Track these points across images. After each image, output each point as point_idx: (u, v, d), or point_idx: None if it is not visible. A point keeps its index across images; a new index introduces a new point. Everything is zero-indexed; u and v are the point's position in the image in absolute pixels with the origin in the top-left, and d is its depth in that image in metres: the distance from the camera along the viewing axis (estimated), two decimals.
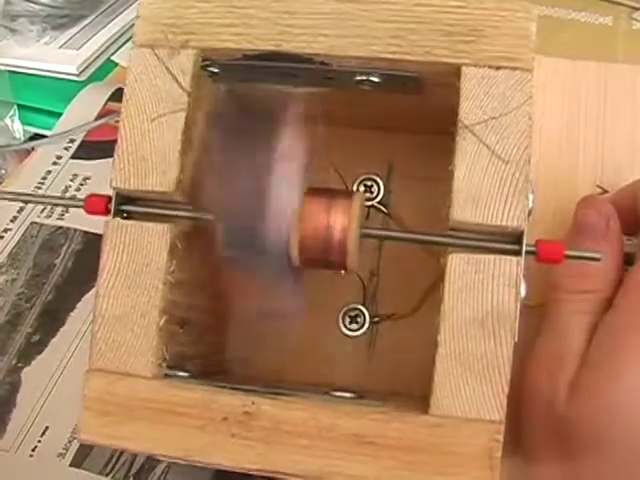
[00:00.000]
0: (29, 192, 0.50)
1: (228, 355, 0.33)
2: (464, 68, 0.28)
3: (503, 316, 0.27)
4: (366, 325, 0.36)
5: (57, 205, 0.30)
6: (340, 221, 0.28)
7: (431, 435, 0.27)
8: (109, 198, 0.30)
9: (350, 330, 0.37)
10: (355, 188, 0.37)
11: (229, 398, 0.28)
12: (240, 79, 0.32)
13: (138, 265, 0.29)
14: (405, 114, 0.35)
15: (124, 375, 0.28)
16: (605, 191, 0.35)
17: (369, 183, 0.37)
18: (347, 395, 0.30)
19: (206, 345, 0.34)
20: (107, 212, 0.30)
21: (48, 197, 0.31)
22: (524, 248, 0.27)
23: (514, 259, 0.27)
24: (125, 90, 0.30)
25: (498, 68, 0.28)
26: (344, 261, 0.28)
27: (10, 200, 0.30)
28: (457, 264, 0.27)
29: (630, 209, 0.32)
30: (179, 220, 0.30)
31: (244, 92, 0.33)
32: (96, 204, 0.30)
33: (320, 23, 0.29)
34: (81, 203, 0.30)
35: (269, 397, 0.28)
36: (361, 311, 0.37)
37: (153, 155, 0.29)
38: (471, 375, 0.27)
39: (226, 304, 0.33)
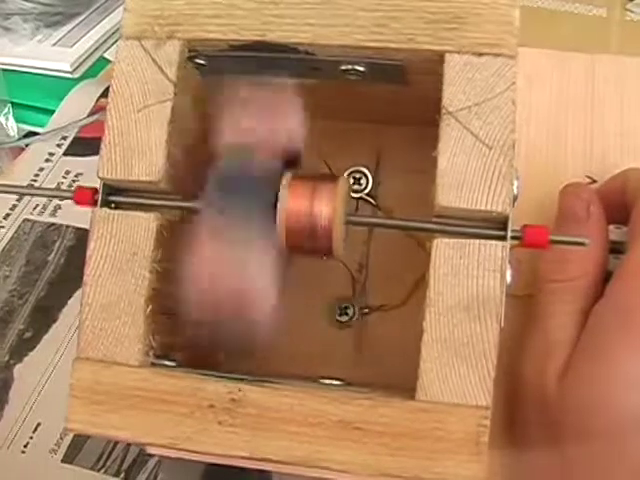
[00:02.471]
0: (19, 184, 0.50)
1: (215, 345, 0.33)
2: (447, 55, 0.28)
3: (489, 301, 0.27)
4: (356, 317, 0.36)
5: (46, 197, 0.30)
6: (325, 206, 0.28)
7: (418, 420, 0.27)
8: (97, 189, 0.30)
9: (340, 322, 0.37)
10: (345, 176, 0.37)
11: (216, 385, 0.28)
12: (227, 70, 0.32)
13: (125, 254, 0.29)
14: (393, 106, 0.35)
15: (111, 363, 0.28)
16: (594, 181, 0.35)
17: (357, 175, 0.37)
18: (335, 382, 0.30)
19: (194, 335, 0.34)
20: (95, 203, 0.30)
21: (37, 189, 0.31)
22: (509, 233, 0.27)
23: (499, 244, 0.27)
24: (112, 81, 0.30)
25: (481, 55, 0.28)
26: (329, 246, 0.29)
27: (4, 192, 0.30)
28: (442, 249, 0.27)
29: (619, 198, 0.32)
30: (166, 209, 0.30)
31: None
32: (84, 195, 0.30)
33: (305, 13, 0.29)
34: (70, 194, 0.31)
35: (256, 384, 0.28)
36: (351, 303, 0.37)
37: (140, 145, 0.29)
38: (457, 360, 0.27)
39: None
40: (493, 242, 0.27)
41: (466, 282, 0.27)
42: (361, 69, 0.30)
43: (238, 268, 0.28)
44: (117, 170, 0.29)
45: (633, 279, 0.30)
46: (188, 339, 0.31)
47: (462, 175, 0.27)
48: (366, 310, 0.37)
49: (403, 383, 0.35)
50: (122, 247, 0.29)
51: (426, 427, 0.27)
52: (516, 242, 0.28)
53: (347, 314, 0.36)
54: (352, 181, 0.37)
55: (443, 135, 0.28)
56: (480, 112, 0.27)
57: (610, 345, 0.30)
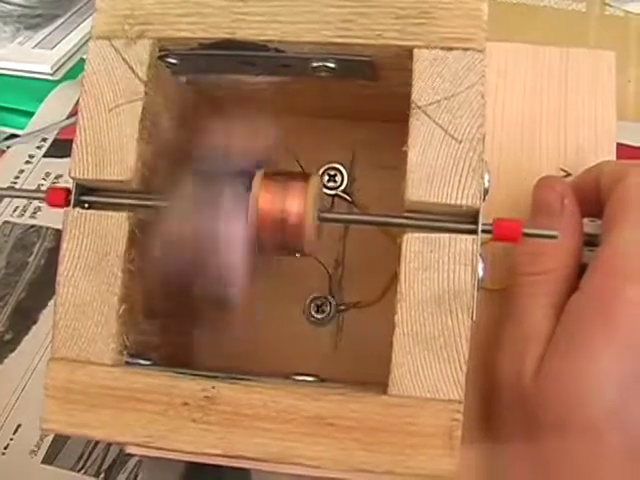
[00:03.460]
0: None
1: (192, 344, 0.34)
2: (416, 50, 0.28)
3: (460, 294, 0.27)
4: (332, 313, 0.36)
5: (19, 197, 0.30)
6: (296, 204, 0.28)
7: (390, 415, 0.27)
8: (69, 190, 0.30)
9: (316, 319, 0.37)
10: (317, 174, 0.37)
11: (189, 383, 0.28)
12: (198, 69, 0.32)
13: (98, 254, 0.29)
14: (366, 102, 0.35)
15: (85, 363, 0.28)
16: (568, 174, 0.35)
17: (332, 172, 0.37)
18: (308, 379, 0.30)
19: (170, 334, 0.34)
20: (68, 204, 0.30)
21: (10, 190, 0.31)
22: (480, 227, 0.27)
23: (469, 237, 0.27)
24: (83, 81, 0.30)
25: (450, 49, 0.28)
26: (301, 245, 0.29)
27: None
28: (412, 244, 0.27)
29: (593, 191, 0.32)
30: (138, 209, 0.30)
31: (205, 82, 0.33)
32: (57, 196, 0.30)
33: (273, 10, 0.29)
34: (42, 195, 0.31)
35: (229, 381, 0.28)
36: (327, 299, 0.37)
37: (111, 145, 0.29)
38: (429, 354, 0.27)
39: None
40: (464, 236, 0.27)
41: (437, 276, 0.27)
42: (331, 65, 0.30)
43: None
44: (89, 170, 0.29)
45: (607, 271, 0.30)
46: (162, 336, 0.31)
47: (432, 169, 0.27)
48: (342, 307, 0.37)
49: (380, 379, 0.35)
50: (95, 247, 0.29)
51: (398, 422, 0.27)
52: (488, 236, 0.28)
53: (323, 311, 0.37)
54: (327, 178, 0.37)
55: (412, 130, 0.28)
56: (449, 106, 0.28)
57: (584, 339, 0.29)
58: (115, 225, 0.29)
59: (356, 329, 0.37)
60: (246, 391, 0.28)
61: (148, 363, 0.30)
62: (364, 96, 0.34)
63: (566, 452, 0.30)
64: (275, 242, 0.29)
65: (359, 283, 0.37)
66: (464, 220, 0.28)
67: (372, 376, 0.35)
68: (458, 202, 0.27)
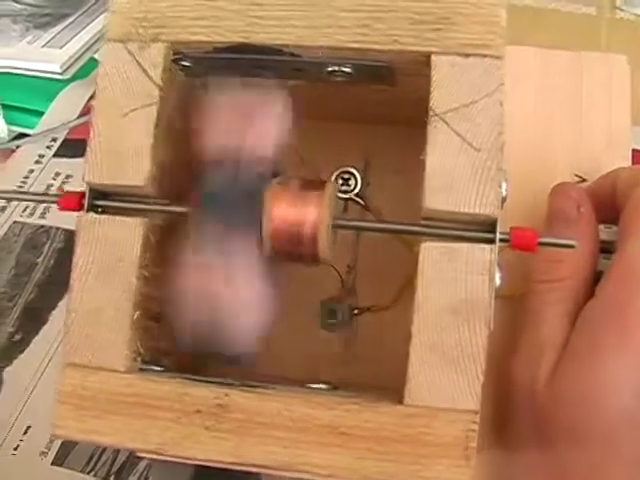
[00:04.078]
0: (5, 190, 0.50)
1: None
2: (433, 56, 0.28)
3: (477, 304, 0.26)
4: (345, 318, 0.36)
5: (31, 201, 0.30)
6: (311, 212, 0.28)
7: (405, 425, 0.26)
8: (83, 194, 0.30)
9: (329, 323, 0.36)
10: (332, 181, 0.37)
11: (202, 390, 0.28)
12: (212, 72, 0.32)
13: (111, 259, 0.29)
14: (381, 106, 0.35)
15: (98, 369, 0.28)
16: (583, 180, 0.35)
17: (346, 176, 0.37)
18: (322, 387, 0.30)
19: (181, 343, 0.34)
20: (81, 208, 0.30)
21: (24, 193, 0.31)
22: (497, 236, 0.27)
23: (487, 247, 0.27)
24: (97, 85, 0.30)
25: (467, 56, 0.28)
26: (316, 253, 0.28)
27: None
28: (430, 253, 0.27)
29: (609, 197, 0.32)
30: (153, 214, 0.30)
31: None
32: (70, 200, 0.30)
33: (289, 14, 0.29)
34: (55, 199, 0.30)
35: (242, 389, 0.28)
36: (340, 304, 0.36)
37: (126, 149, 0.29)
38: (446, 364, 0.26)
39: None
40: (481, 245, 0.27)
41: (454, 286, 0.27)
42: (347, 70, 0.30)
43: (224, 277, 0.28)
44: (104, 174, 0.29)
45: (623, 279, 0.30)
46: (175, 344, 0.31)
47: (450, 177, 0.27)
48: (355, 311, 0.36)
49: (393, 384, 0.35)
50: (108, 252, 0.29)
51: (414, 432, 0.26)
52: (505, 244, 0.27)
53: (336, 316, 0.36)
54: (341, 182, 0.37)
55: (431, 137, 0.27)
56: (468, 114, 0.27)
57: (600, 346, 0.29)
58: (129, 230, 0.29)
59: (369, 334, 0.36)
60: (260, 399, 0.27)
61: (161, 369, 0.30)
62: (378, 100, 0.33)
63: (580, 458, 0.30)
64: (290, 251, 0.29)
65: (372, 288, 0.36)
66: (481, 229, 0.27)
67: (385, 380, 0.35)
68: (476, 211, 0.27)
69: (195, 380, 0.28)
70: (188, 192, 0.30)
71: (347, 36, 0.28)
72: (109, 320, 0.28)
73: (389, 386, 0.35)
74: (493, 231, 0.27)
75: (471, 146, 0.27)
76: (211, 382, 0.28)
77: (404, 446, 0.26)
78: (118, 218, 0.29)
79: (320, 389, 0.30)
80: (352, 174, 0.37)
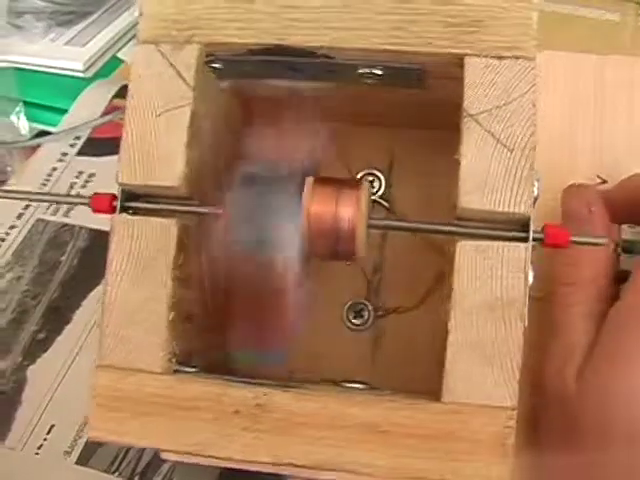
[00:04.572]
0: (34, 190, 0.51)
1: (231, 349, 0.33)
2: (467, 58, 0.28)
3: (513, 302, 0.27)
4: (371, 319, 0.36)
5: (62, 203, 0.30)
6: (348, 210, 0.28)
7: (443, 422, 0.27)
8: (114, 195, 0.30)
9: (355, 325, 0.37)
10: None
11: (241, 391, 0.28)
12: (243, 74, 0.32)
13: (146, 261, 0.29)
14: (405, 109, 0.35)
15: (134, 371, 0.28)
16: (604, 181, 0.36)
17: (370, 178, 0.37)
18: (358, 386, 0.30)
19: (210, 339, 0.34)
20: (113, 210, 0.30)
21: (53, 195, 0.31)
22: (531, 234, 0.27)
23: (522, 245, 0.27)
24: (130, 86, 0.30)
25: (501, 58, 0.28)
26: (352, 250, 0.29)
27: (15, 199, 0.30)
28: (466, 252, 0.27)
29: (634, 199, 0.32)
30: (185, 215, 0.30)
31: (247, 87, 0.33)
32: (102, 201, 0.30)
33: (323, 16, 0.29)
34: (87, 200, 0.30)
35: (280, 389, 0.28)
36: (365, 305, 0.37)
37: (159, 150, 0.29)
38: (482, 361, 0.27)
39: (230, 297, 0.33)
40: (516, 244, 0.27)
41: (490, 284, 0.27)
42: (379, 73, 0.30)
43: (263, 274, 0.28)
44: (137, 175, 0.29)
45: None
46: (205, 344, 0.31)
47: (484, 178, 0.27)
48: (381, 313, 0.37)
49: (421, 386, 0.35)
50: (143, 254, 0.29)
51: (451, 429, 0.27)
52: (537, 242, 0.28)
53: (362, 316, 0.37)
54: None
55: (465, 138, 0.28)
56: (501, 115, 0.28)
57: (626, 348, 0.30)
58: (163, 231, 0.29)
59: (395, 335, 0.37)
60: (297, 398, 0.28)
61: (194, 370, 0.30)
62: (404, 103, 0.34)
63: (608, 461, 0.30)
64: (327, 249, 0.29)
65: (398, 289, 0.37)
66: (514, 227, 0.28)
67: (410, 380, 0.36)
68: (510, 210, 0.27)
69: (232, 381, 0.28)
70: (218, 192, 0.30)
71: (382, 38, 0.29)
72: (144, 321, 0.28)
73: (417, 387, 0.35)
74: (526, 229, 0.27)
75: (505, 146, 0.27)
76: (249, 382, 0.28)
77: (442, 443, 0.27)
78: (152, 219, 0.29)
79: (356, 388, 0.30)
80: (376, 176, 0.37)
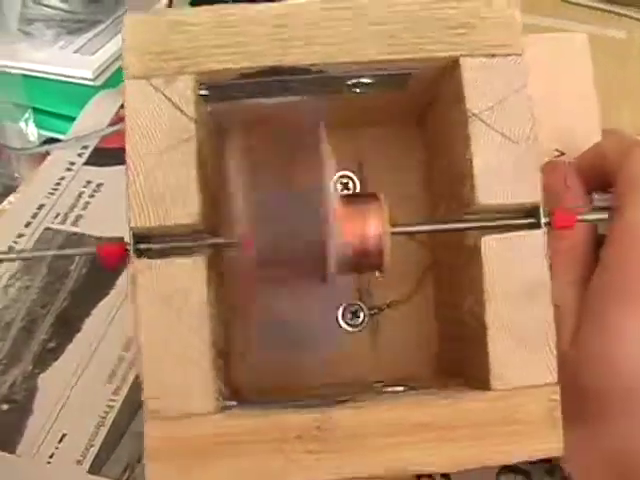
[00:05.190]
0: (42, 198, 0.52)
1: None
2: (462, 59, 0.29)
3: (540, 285, 0.29)
4: (366, 319, 0.37)
5: (71, 255, 0.28)
6: (374, 224, 0.29)
7: (496, 409, 0.28)
8: (122, 241, 0.29)
9: (352, 326, 0.37)
10: (334, 187, 0.37)
11: (298, 415, 0.28)
12: (229, 97, 0.31)
13: (178, 303, 0.28)
14: (369, 109, 0.36)
15: (186, 416, 0.28)
16: (562, 153, 0.38)
17: (345, 180, 0.38)
18: (399, 389, 0.31)
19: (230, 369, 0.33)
20: (124, 256, 0.29)
21: (56, 252, 0.29)
22: (542, 220, 0.29)
23: (539, 232, 0.29)
24: (126, 125, 0.28)
25: (493, 56, 0.29)
26: (381, 263, 0.29)
27: (20, 259, 0.28)
28: (490, 245, 0.29)
29: (599, 167, 0.35)
30: (204, 249, 0.29)
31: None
32: (112, 251, 0.29)
33: (317, 33, 0.29)
34: (93, 250, 0.29)
35: (338, 406, 0.28)
36: (360, 306, 0.37)
37: (170, 188, 0.28)
38: (522, 346, 0.28)
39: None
40: (534, 231, 0.29)
41: (517, 272, 0.29)
42: (368, 81, 0.31)
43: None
44: (151, 217, 0.28)
45: (624, 242, 0.32)
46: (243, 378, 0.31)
47: (496, 173, 0.29)
48: (375, 310, 0.38)
49: (423, 374, 0.37)
50: (173, 297, 0.28)
51: (504, 413, 0.28)
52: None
53: (358, 317, 0.37)
54: (340, 187, 0.38)
55: (472, 137, 0.29)
56: (502, 110, 0.29)
57: (611, 312, 0.31)
58: (190, 270, 0.28)
59: (391, 329, 0.38)
60: (355, 413, 0.28)
61: (234, 404, 0.30)
62: (369, 104, 0.34)
63: (607, 429, 0.32)
64: (355, 264, 0.29)
65: (387, 285, 0.38)
66: (525, 215, 0.29)
67: (412, 371, 0.37)
68: (524, 200, 0.29)
69: (285, 407, 0.28)
70: (221, 221, 0.30)
71: (377, 48, 0.29)
72: (187, 364, 0.28)
73: (416, 377, 0.37)
74: (534, 216, 0.29)
75: (510, 140, 0.29)
76: (302, 406, 0.28)
77: (498, 428, 0.28)
78: (178, 260, 0.28)
79: (399, 391, 0.31)
80: (349, 177, 0.38)
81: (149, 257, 0.28)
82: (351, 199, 0.30)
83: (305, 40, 0.29)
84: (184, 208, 0.28)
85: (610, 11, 0.56)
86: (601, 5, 0.57)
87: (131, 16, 0.29)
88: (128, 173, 0.28)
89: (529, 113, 0.29)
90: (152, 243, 0.29)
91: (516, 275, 0.29)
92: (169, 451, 0.27)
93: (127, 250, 0.29)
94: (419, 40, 0.29)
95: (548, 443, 0.28)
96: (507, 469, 0.37)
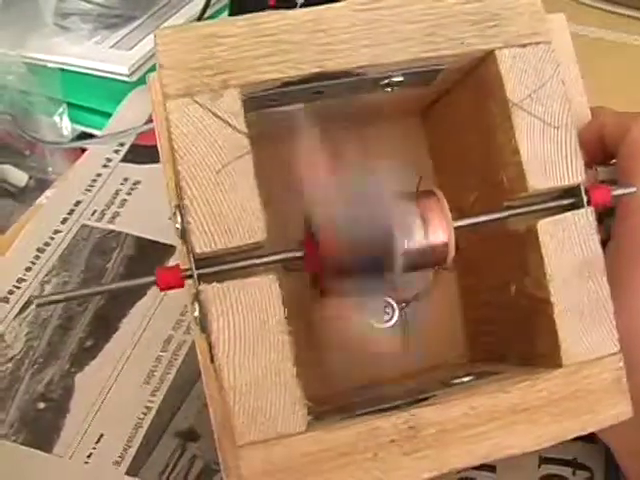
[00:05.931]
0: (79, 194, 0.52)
1: None
2: (497, 51, 0.30)
3: (595, 261, 0.30)
4: (396, 313, 0.38)
5: (126, 288, 0.27)
6: (438, 222, 0.29)
7: (569, 384, 0.29)
8: (178, 267, 0.28)
9: (385, 321, 0.37)
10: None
11: (388, 420, 0.28)
12: (263, 106, 0.30)
13: (254, 325, 0.27)
14: (377, 105, 0.36)
15: (279, 438, 0.27)
16: None
17: None
18: (467, 379, 0.31)
19: None
20: (183, 282, 0.28)
21: (119, 282, 0.27)
22: (584, 198, 0.30)
23: (588, 210, 0.30)
24: (175, 147, 0.27)
25: (524, 46, 0.30)
26: (446, 258, 0.30)
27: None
28: (547, 229, 0.30)
29: (598, 141, 0.37)
30: (267, 265, 0.28)
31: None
32: (170, 276, 0.28)
33: (356, 35, 0.29)
34: (152, 279, 0.28)
35: (425, 404, 0.28)
36: (388, 302, 0.37)
37: (231, 207, 0.27)
38: (585, 321, 0.30)
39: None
40: (582, 210, 0.30)
41: (573, 251, 0.30)
42: (400, 79, 0.31)
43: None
44: (215, 241, 0.27)
45: (634, 212, 0.34)
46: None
47: (542, 158, 0.30)
48: (403, 304, 0.38)
49: (453, 358, 0.37)
50: (249, 319, 0.27)
51: (578, 387, 0.29)
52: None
53: (387, 313, 0.37)
54: None
55: (516, 125, 0.30)
56: (539, 97, 0.30)
57: (631, 282, 0.32)
58: (265, 290, 0.27)
59: (419, 320, 0.38)
60: (442, 408, 0.28)
61: (310, 418, 0.29)
62: (384, 100, 0.34)
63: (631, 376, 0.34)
64: (420, 263, 0.29)
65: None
66: (565, 195, 0.31)
67: (444, 361, 0.38)
68: (570, 182, 0.30)
69: (371, 412, 0.28)
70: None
71: (418, 47, 0.29)
72: (273, 386, 0.27)
73: (447, 363, 0.38)
74: (575, 195, 0.30)
75: (550, 126, 0.30)
76: (387, 409, 0.28)
77: (573, 401, 0.29)
78: (248, 281, 0.27)
79: (466, 382, 0.31)
80: None
81: (217, 281, 0.27)
82: (410, 197, 0.30)
83: (348, 43, 0.29)
84: (249, 227, 0.27)
85: (629, 16, 0.57)
86: (620, 10, 0.58)
87: (162, 32, 0.28)
88: (184, 197, 0.27)
89: (564, 98, 0.30)
90: (212, 266, 0.28)
91: (572, 254, 0.30)
92: (266, 476, 0.27)
93: (187, 276, 0.27)
94: (457, 35, 0.30)
95: (619, 408, 0.30)
96: (548, 478, 0.38)
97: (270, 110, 0.32)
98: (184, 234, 0.28)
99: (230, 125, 0.28)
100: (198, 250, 0.27)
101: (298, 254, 0.29)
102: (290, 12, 0.29)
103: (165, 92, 0.27)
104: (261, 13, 0.28)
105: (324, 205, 0.29)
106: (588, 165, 0.37)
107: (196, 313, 0.28)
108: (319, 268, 0.29)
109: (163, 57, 0.28)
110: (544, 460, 0.38)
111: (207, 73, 0.28)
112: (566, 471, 0.38)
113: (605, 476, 0.38)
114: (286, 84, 0.29)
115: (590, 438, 0.36)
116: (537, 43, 0.30)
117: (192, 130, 0.27)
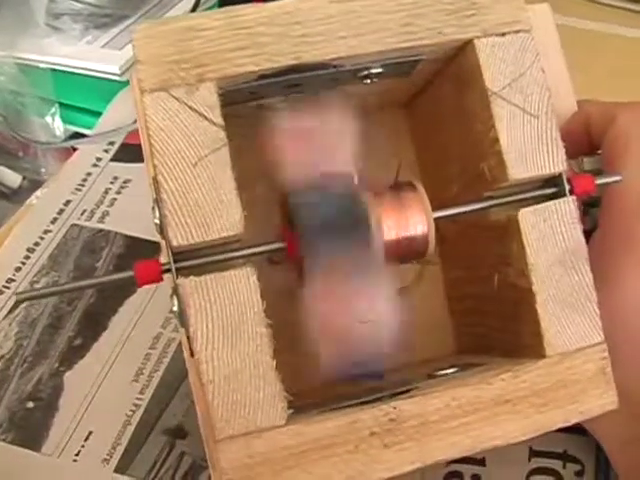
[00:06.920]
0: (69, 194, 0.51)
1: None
2: (476, 40, 0.30)
3: (577, 250, 0.30)
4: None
5: (105, 284, 0.27)
6: (416, 213, 0.29)
7: (553, 374, 0.29)
8: (157, 261, 0.28)
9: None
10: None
11: (369, 412, 0.28)
12: (240, 100, 0.30)
13: (232, 317, 0.27)
14: (361, 98, 0.36)
15: (259, 432, 0.27)
16: None
17: None
18: (451, 371, 0.31)
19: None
20: (161, 276, 0.28)
21: (97, 277, 0.27)
22: (567, 187, 0.30)
23: (569, 199, 0.30)
24: (152, 141, 0.27)
25: (503, 34, 0.30)
26: (425, 251, 0.29)
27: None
28: (527, 218, 0.29)
29: (583, 132, 0.36)
30: (245, 258, 0.28)
31: None
32: (148, 271, 0.27)
33: (332, 27, 0.29)
34: (131, 273, 0.28)
35: (404, 397, 0.28)
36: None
37: (208, 200, 0.27)
38: (568, 311, 0.29)
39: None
40: (564, 199, 0.30)
41: (555, 240, 0.29)
42: (378, 71, 0.31)
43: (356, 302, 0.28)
44: (192, 234, 0.27)
45: (621, 208, 0.33)
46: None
47: (522, 148, 0.29)
48: None
49: (443, 353, 0.37)
50: (226, 312, 0.27)
51: (561, 377, 0.29)
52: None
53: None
54: None
55: (496, 115, 0.29)
56: (519, 86, 0.30)
57: (616, 271, 0.32)
58: (242, 282, 0.27)
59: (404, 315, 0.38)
60: (424, 400, 0.28)
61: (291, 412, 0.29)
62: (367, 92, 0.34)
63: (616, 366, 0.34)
64: (401, 255, 0.29)
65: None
66: (548, 185, 0.30)
67: (432, 354, 0.38)
68: (551, 171, 0.30)
69: (352, 405, 0.28)
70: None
71: (395, 37, 0.29)
72: (252, 379, 0.27)
73: (437, 353, 0.37)
74: (559, 185, 0.30)
75: (530, 115, 0.30)
76: (368, 401, 0.28)
77: (557, 392, 0.29)
78: (226, 274, 0.27)
79: (450, 373, 0.31)
80: None
81: (195, 275, 0.27)
82: (388, 190, 0.29)
83: (323, 35, 0.29)
84: (227, 220, 0.27)
85: (617, 6, 0.57)
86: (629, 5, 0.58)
87: (138, 27, 0.28)
88: (161, 191, 0.27)
89: (544, 86, 0.30)
90: (190, 259, 0.28)
91: (554, 244, 0.29)
92: (247, 469, 0.27)
93: (165, 270, 0.27)
94: (434, 25, 0.29)
95: (604, 399, 0.29)
96: (538, 471, 0.38)
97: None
98: (162, 228, 0.28)
99: (206, 118, 0.27)
100: (175, 243, 0.27)
101: (279, 245, 0.29)
102: (267, 5, 0.29)
103: (141, 87, 0.27)
104: (238, 6, 0.28)
105: (300, 190, 0.29)
106: (574, 156, 0.37)
107: (175, 307, 0.27)
108: (298, 256, 0.28)
109: (139, 52, 0.27)
110: (534, 453, 0.38)
111: (183, 67, 0.28)
112: (556, 464, 0.38)
113: (595, 468, 0.37)
114: (262, 77, 0.29)
115: (580, 430, 0.36)
116: (517, 32, 0.30)
117: (168, 124, 0.27)
